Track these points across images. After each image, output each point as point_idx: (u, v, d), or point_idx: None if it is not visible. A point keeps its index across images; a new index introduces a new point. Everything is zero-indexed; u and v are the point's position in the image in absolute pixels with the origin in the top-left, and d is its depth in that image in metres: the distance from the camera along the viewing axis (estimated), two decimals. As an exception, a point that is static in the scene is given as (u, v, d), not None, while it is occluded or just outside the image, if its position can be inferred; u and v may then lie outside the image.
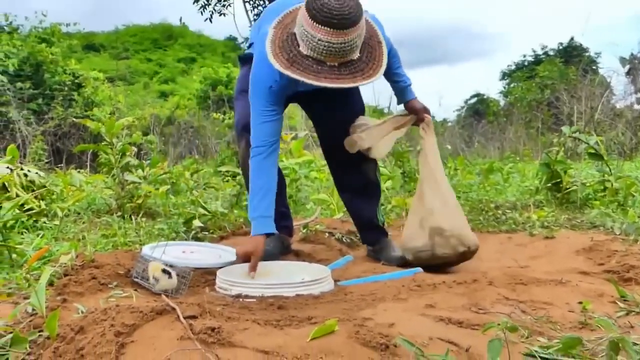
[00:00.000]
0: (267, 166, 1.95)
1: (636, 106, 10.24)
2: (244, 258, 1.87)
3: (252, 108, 1.96)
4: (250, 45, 2.27)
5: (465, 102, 23.35)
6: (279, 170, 2.44)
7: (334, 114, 2.22)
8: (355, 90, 2.33)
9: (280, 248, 2.30)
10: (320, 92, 2.15)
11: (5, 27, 13.64)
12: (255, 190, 1.96)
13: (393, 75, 2.21)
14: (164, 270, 1.60)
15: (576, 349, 0.99)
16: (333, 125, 2.22)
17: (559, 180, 3.56)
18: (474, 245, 2.07)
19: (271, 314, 1.38)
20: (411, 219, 2.20)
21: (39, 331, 1.20)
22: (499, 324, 0.93)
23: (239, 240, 2.70)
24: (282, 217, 2.36)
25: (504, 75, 25.58)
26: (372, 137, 2.16)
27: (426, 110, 2.26)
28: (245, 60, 2.27)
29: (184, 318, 1.15)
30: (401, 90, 2.25)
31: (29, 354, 1.13)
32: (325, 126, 2.32)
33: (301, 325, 1.22)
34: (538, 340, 1.18)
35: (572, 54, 21.65)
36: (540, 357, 1.07)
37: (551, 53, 23.60)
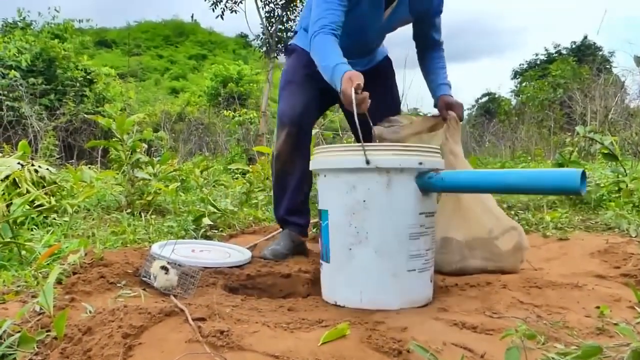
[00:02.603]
0: (331, 39, 1.87)
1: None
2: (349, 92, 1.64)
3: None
4: (297, 32, 2.32)
5: (476, 101, 23.21)
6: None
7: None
8: (394, 85, 2.36)
9: (290, 247, 2.23)
10: None
11: (18, 23, 13.76)
12: (322, 55, 1.86)
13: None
14: (162, 267, 1.58)
15: (596, 357, 0.96)
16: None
17: (572, 180, 3.50)
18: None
19: (281, 316, 1.36)
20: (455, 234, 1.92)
21: (47, 331, 1.19)
22: (516, 331, 0.90)
23: (249, 238, 2.69)
24: (297, 214, 2.31)
25: (516, 74, 25.38)
26: (397, 136, 1.98)
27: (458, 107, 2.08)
28: (292, 50, 2.29)
29: (193, 320, 1.13)
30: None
31: (36, 354, 1.12)
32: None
33: (312, 329, 1.19)
34: (554, 347, 1.14)
35: (586, 53, 21.42)
36: (558, 365, 1.04)
37: (564, 52, 23.35)
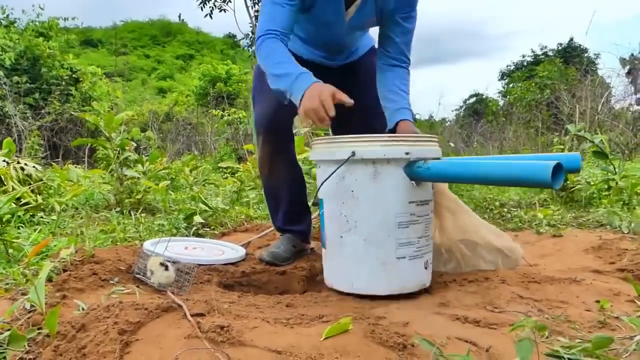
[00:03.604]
0: (281, 47, 1.67)
1: (636, 107, 10.22)
2: (313, 110, 1.48)
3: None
4: None
5: (464, 101, 23.35)
6: (300, 170, 2.20)
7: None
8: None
9: (292, 251, 2.10)
10: (340, 74, 2.04)
11: (1, 20, 13.51)
12: (275, 63, 1.64)
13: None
14: (161, 263, 1.54)
15: (606, 347, 0.95)
16: (349, 114, 1.84)
17: (563, 178, 3.53)
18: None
19: (280, 312, 1.33)
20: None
21: (38, 329, 1.15)
22: (528, 322, 0.88)
23: (241, 236, 2.65)
24: (295, 222, 2.18)
25: (503, 75, 25.58)
26: None
27: None
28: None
29: (191, 316, 1.10)
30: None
31: (27, 352, 1.08)
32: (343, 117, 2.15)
33: (312, 324, 1.17)
34: (558, 340, 1.13)
35: (572, 55, 21.66)
36: (564, 358, 1.02)
37: (550, 54, 23.59)
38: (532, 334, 0.83)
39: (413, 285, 1.52)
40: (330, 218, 1.55)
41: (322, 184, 1.53)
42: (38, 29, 13.77)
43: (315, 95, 1.49)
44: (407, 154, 1.45)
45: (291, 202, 2.14)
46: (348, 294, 1.54)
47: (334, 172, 1.48)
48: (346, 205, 1.49)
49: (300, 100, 1.53)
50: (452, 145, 9.26)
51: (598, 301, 1.42)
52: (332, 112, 1.48)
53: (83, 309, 1.26)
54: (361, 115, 1.94)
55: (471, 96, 23.00)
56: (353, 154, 1.44)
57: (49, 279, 1.50)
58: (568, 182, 3.52)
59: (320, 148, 1.58)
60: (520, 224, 2.85)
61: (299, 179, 2.17)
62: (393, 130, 1.82)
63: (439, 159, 1.53)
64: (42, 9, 13.88)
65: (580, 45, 22.47)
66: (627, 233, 2.48)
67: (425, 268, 1.55)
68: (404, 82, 1.90)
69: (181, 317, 1.12)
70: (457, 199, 1.88)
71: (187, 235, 2.63)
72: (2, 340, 1.10)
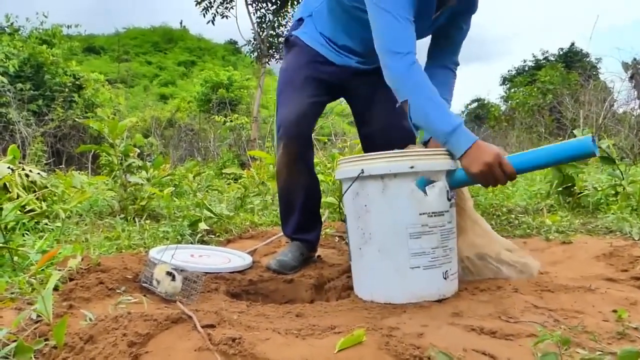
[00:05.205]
0: (427, 78, 1.58)
1: (639, 111, 10.18)
2: (490, 170, 1.49)
3: (382, 9, 1.59)
4: (299, 21, 2.06)
5: (466, 106, 23.36)
6: (317, 179, 2.17)
7: (377, 105, 2.05)
8: None
9: (299, 259, 2.07)
10: (369, 75, 2.00)
11: (6, 28, 13.57)
12: (426, 100, 1.56)
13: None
14: (168, 273, 1.52)
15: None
16: (370, 114, 1.97)
17: (570, 184, 3.50)
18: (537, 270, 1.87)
19: (290, 322, 1.30)
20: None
21: (45, 340, 1.12)
22: (552, 336, 0.85)
23: (247, 243, 2.63)
24: (306, 231, 2.15)
25: (505, 80, 25.58)
26: None
27: None
28: (292, 44, 2.05)
29: (202, 327, 1.07)
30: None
31: (34, 364, 1.05)
32: (367, 117, 2.11)
33: (324, 335, 1.14)
34: (578, 352, 1.10)
35: (573, 59, 21.66)
36: (585, 371, 0.99)
37: (552, 58, 23.59)
38: (557, 347, 0.80)
39: (430, 295, 1.53)
40: (352, 232, 1.64)
41: (341, 198, 1.61)
42: (42, 36, 13.82)
43: (485, 162, 1.48)
44: (411, 167, 1.50)
45: (304, 211, 2.10)
46: (363, 303, 1.56)
47: (348, 188, 1.58)
48: (362, 219, 1.57)
49: (463, 156, 1.52)
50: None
51: (615, 311, 1.39)
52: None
53: (90, 320, 1.23)
54: (382, 115, 2.02)
55: (473, 101, 23.01)
56: (362, 171, 1.53)
57: (55, 288, 1.48)
58: (575, 187, 3.48)
59: (340, 168, 1.68)
60: (528, 231, 2.82)
61: (315, 187, 2.14)
62: (427, 143, 1.85)
63: (453, 170, 1.57)
64: (45, 16, 13.96)
65: (581, 49, 22.49)
66: (638, 240, 2.45)
67: (445, 278, 1.55)
68: (447, 88, 1.90)
69: (191, 328, 1.09)
70: (476, 216, 1.85)
71: (192, 242, 2.60)
72: (8, 352, 1.08)
